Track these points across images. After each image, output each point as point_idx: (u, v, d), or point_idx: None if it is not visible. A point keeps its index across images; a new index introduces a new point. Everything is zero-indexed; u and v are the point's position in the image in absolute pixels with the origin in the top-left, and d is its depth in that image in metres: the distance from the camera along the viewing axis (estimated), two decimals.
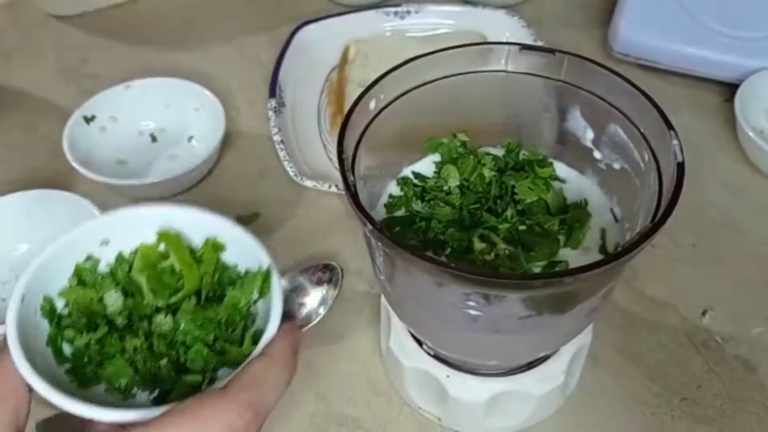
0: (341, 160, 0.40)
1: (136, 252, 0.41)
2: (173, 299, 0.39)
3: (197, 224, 0.41)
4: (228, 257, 0.41)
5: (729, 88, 0.75)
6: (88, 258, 0.40)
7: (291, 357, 0.36)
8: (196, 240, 0.41)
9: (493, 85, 0.48)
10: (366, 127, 0.44)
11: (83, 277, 0.40)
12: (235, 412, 0.32)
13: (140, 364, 0.38)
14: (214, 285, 0.40)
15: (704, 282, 0.61)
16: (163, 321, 0.39)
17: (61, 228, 0.40)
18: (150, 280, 0.39)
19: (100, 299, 0.39)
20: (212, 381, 0.38)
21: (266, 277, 0.39)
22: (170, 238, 0.40)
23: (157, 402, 0.37)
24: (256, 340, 0.37)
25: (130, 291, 0.40)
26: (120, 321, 0.39)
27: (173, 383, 0.38)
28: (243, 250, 0.40)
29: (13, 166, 0.73)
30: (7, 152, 0.76)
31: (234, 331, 0.39)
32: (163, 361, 0.38)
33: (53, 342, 0.37)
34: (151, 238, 0.41)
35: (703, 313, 0.59)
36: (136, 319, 0.39)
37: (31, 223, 0.63)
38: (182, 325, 0.38)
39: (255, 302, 0.40)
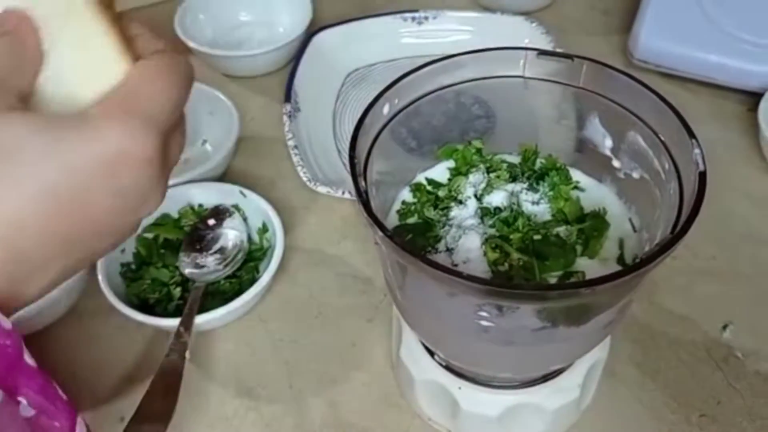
0: (353, 165, 0.39)
1: None
2: None
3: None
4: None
5: (752, 97, 0.74)
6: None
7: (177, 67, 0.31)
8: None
9: (509, 91, 0.47)
10: (379, 132, 0.43)
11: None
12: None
13: None
14: None
15: (725, 295, 0.60)
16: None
17: None
18: None
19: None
20: None
21: None
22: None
23: None
24: None
25: None
26: None
27: None
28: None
29: None
30: None
31: None
32: None
33: None
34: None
35: (724, 328, 0.58)
36: None
37: None
38: None
39: None
